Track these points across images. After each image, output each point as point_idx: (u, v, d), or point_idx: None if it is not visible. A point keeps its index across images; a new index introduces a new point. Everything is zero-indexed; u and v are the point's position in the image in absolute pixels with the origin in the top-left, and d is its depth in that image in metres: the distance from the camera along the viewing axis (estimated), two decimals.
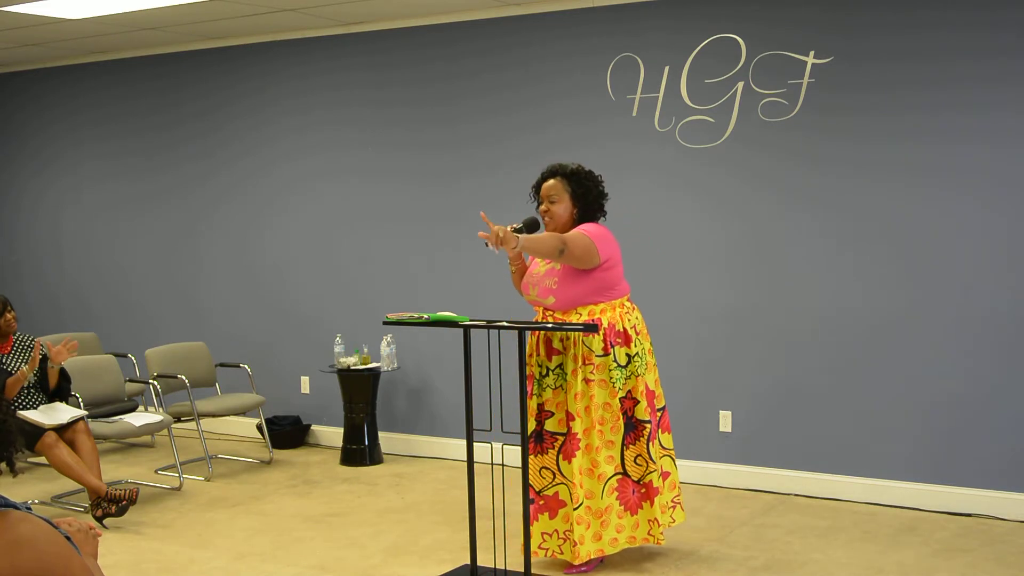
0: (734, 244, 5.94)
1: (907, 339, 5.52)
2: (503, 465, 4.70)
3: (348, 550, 5.00)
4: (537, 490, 4.52)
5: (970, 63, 5.29)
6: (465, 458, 4.41)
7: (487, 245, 4.32)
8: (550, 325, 4.40)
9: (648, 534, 4.54)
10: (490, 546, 4.52)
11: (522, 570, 4.30)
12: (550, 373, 4.51)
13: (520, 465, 4.35)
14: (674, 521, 4.70)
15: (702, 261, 6.02)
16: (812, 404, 5.77)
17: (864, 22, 5.52)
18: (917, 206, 5.46)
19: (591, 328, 4.23)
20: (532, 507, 4.47)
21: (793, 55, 5.67)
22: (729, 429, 5.99)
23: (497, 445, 4.70)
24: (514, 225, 4.49)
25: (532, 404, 4.52)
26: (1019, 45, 5.19)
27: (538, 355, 4.55)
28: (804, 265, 5.76)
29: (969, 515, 5.35)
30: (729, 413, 5.99)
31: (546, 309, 4.57)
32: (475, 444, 4.36)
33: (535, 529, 4.50)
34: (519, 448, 4.33)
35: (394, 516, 5.57)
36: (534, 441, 4.51)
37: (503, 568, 4.44)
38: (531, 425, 4.50)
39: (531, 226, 4.56)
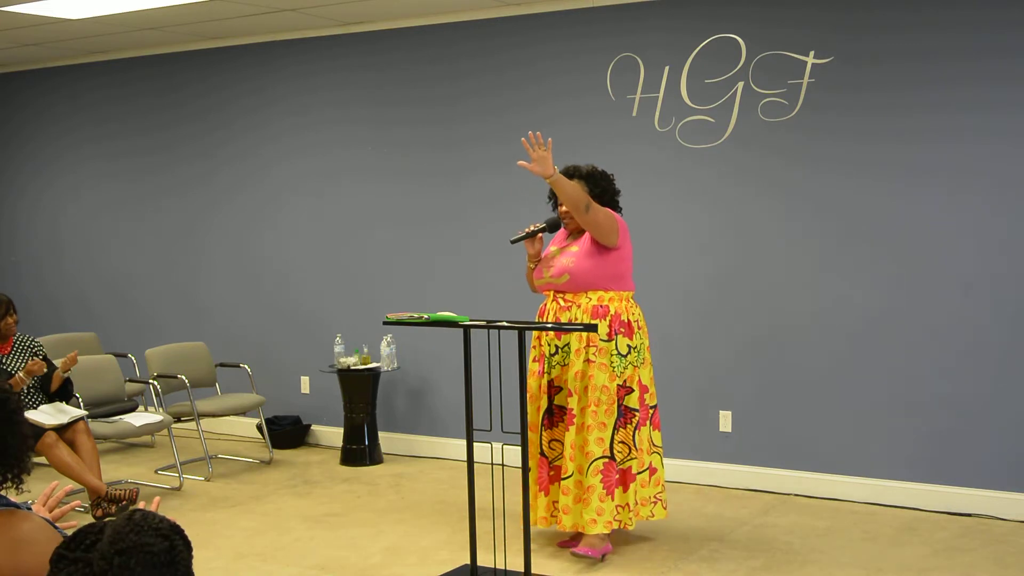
0: (733, 244, 5.94)
1: (908, 339, 5.52)
2: (503, 465, 4.71)
3: (348, 550, 5.00)
4: (550, 461, 4.75)
5: (970, 63, 5.29)
6: (465, 458, 4.41)
7: (520, 237, 4.73)
8: (550, 325, 4.52)
9: (615, 519, 4.66)
10: (490, 546, 4.53)
11: (522, 570, 4.30)
12: (559, 351, 4.71)
13: (520, 465, 4.35)
14: (653, 516, 4.82)
15: (701, 260, 6.02)
16: (812, 404, 5.77)
17: (864, 22, 5.52)
18: (917, 205, 5.47)
19: (591, 328, 4.30)
20: (546, 479, 4.73)
21: (793, 55, 5.67)
22: (729, 429, 5.99)
23: (497, 445, 4.71)
24: (537, 224, 4.80)
25: (543, 382, 4.74)
26: (1019, 45, 5.20)
27: (548, 335, 4.73)
28: (804, 264, 5.76)
29: (969, 515, 5.35)
30: (729, 413, 5.99)
31: (557, 291, 4.72)
32: (475, 444, 4.36)
33: (547, 500, 4.74)
34: (519, 448, 4.34)
35: (394, 516, 5.57)
36: (547, 416, 4.74)
37: (503, 568, 4.44)
38: (544, 403, 4.74)
39: (553, 226, 4.84)
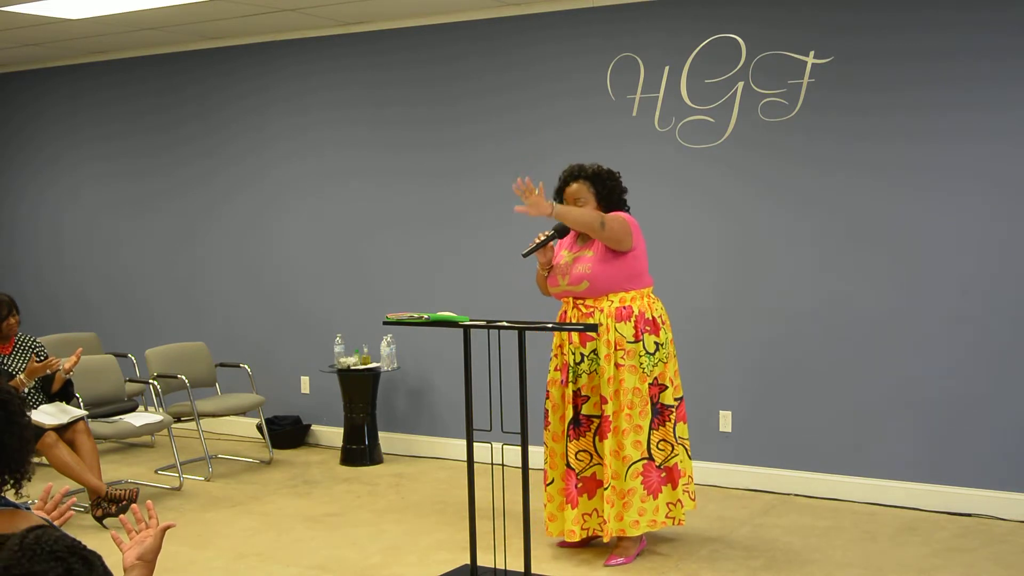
0: (734, 244, 5.94)
1: (907, 339, 5.52)
2: (503, 465, 4.70)
3: (348, 550, 5.00)
4: (577, 473, 4.68)
5: (970, 63, 5.29)
6: (465, 458, 4.41)
7: (531, 249, 4.64)
8: (550, 325, 4.47)
9: (667, 516, 4.68)
10: (490, 546, 4.53)
11: (522, 570, 4.30)
12: (585, 359, 4.65)
13: (520, 465, 4.35)
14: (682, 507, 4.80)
15: (701, 261, 6.02)
16: (812, 404, 5.77)
17: (864, 22, 5.52)
18: (917, 205, 5.47)
19: (591, 328, 4.29)
20: (574, 492, 4.67)
21: (793, 55, 5.67)
22: (729, 429, 5.99)
23: (497, 445, 4.71)
24: (546, 233, 4.72)
25: (568, 392, 4.68)
26: (1018, 45, 5.20)
27: (571, 343, 4.67)
28: (804, 265, 5.77)
29: (969, 515, 5.35)
30: (729, 413, 6.00)
31: (576, 298, 4.69)
32: (475, 444, 4.36)
33: (576, 512, 4.68)
34: (519, 448, 4.34)
35: (394, 516, 5.57)
36: (572, 427, 4.68)
37: (503, 568, 4.44)
38: (568, 412, 4.68)
39: (561, 231, 4.78)
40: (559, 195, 4.80)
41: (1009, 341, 5.30)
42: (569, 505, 4.67)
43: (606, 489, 4.59)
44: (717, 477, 6.00)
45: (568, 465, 4.68)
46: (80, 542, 1.65)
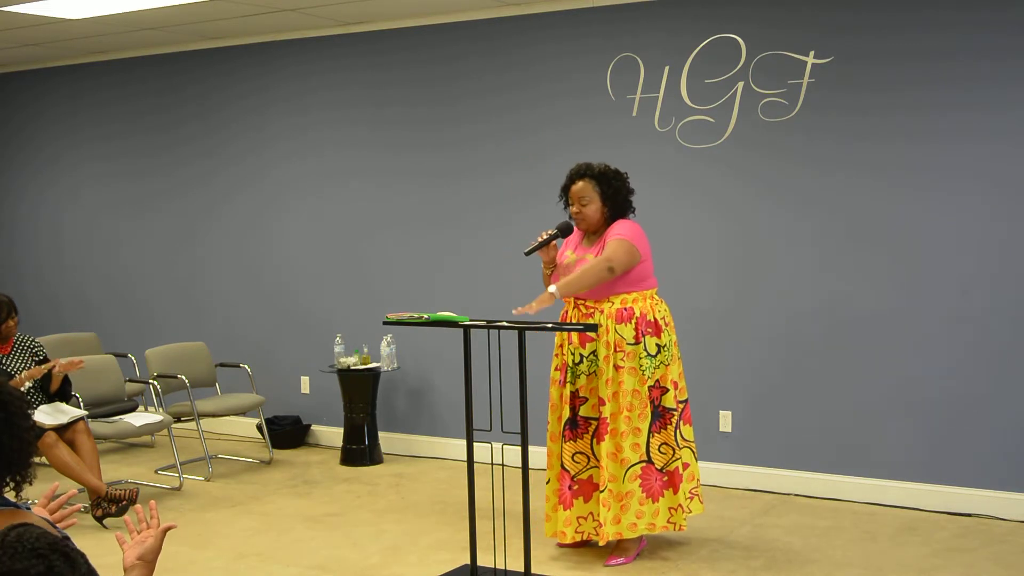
0: (733, 244, 5.94)
1: (907, 339, 5.52)
2: (503, 465, 4.70)
3: (348, 550, 5.00)
4: (572, 475, 4.66)
5: (970, 63, 5.29)
6: (465, 458, 4.41)
7: (533, 248, 4.70)
8: (550, 325, 4.47)
9: (668, 521, 4.65)
10: (490, 546, 4.53)
11: (522, 570, 4.30)
12: (584, 360, 4.63)
13: (520, 465, 4.35)
14: (690, 512, 4.76)
15: (702, 261, 6.02)
16: (812, 404, 5.77)
17: (864, 22, 5.52)
18: (917, 205, 5.47)
19: (590, 328, 4.29)
20: (567, 493, 4.66)
21: (793, 55, 5.67)
22: (729, 429, 5.99)
23: (497, 445, 4.71)
24: (549, 231, 4.72)
25: (566, 392, 4.68)
26: (1019, 45, 5.20)
27: (571, 344, 4.66)
28: (804, 265, 5.77)
29: (969, 515, 5.35)
30: (729, 413, 6.00)
31: (577, 298, 4.67)
32: (475, 444, 4.36)
33: (571, 514, 4.67)
34: (519, 448, 4.34)
35: (394, 516, 5.57)
36: (569, 428, 4.67)
37: (503, 568, 4.44)
38: (565, 413, 4.67)
39: (565, 230, 4.79)
40: (565, 193, 4.78)
41: (1009, 341, 5.30)
42: (562, 506, 4.67)
43: (602, 492, 4.58)
44: (717, 477, 6.00)
45: (563, 466, 4.68)
46: (62, 539, 1.64)
